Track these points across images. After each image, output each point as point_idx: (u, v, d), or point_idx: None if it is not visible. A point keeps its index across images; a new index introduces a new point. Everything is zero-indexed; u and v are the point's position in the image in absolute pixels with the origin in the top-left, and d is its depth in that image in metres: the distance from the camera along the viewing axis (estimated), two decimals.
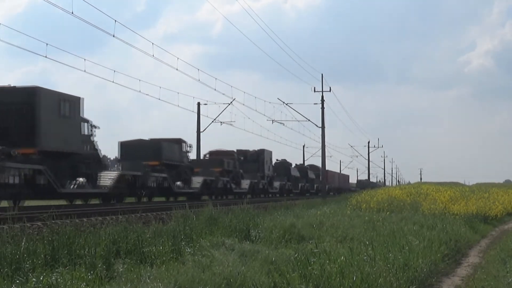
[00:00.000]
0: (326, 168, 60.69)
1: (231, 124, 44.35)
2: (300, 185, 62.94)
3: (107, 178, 26.96)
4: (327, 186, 57.87)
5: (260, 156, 50.66)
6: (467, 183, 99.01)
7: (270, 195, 50.24)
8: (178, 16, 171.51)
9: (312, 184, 69.27)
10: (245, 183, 45.08)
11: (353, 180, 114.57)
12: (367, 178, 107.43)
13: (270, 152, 53.25)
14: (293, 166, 63.32)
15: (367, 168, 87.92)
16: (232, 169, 43.70)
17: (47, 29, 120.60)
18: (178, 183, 34.91)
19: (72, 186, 24.28)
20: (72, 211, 16.30)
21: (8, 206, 19.53)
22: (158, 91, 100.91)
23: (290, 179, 59.44)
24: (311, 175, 69.70)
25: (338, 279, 7.09)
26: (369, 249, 9.43)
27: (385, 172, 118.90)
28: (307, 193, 64.09)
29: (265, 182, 50.40)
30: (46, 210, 12.68)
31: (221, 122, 45.12)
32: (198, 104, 44.24)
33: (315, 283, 6.98)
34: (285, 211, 17.93)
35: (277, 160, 59.16)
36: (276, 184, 53.88)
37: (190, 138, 42.10)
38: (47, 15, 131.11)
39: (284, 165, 59.88)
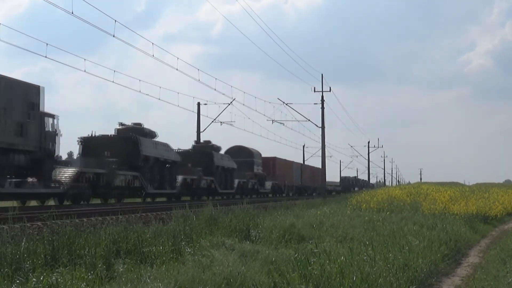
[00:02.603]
0: (291, 160, 61.50)
1: (231, 124, 44.21)
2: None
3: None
4: (272, 183, 51.85)
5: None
6: (467, 183, 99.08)
7: (260, 196, 47.31)
8: (178, 16, 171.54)
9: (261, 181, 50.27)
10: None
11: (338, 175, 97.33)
12: (356, 175, 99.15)
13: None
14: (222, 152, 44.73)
15: (367, 168, 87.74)
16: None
17: (47, 29, 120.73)
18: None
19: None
20: (72, 211, 16.29)
21: (9, 206, 19.47)
22: (158, 91, 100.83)
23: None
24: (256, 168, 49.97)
25: (338, 279, 7.09)
26: (369, 249, 9.43)
27: (385, 172, 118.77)
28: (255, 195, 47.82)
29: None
30: (46, 210, 12.69)
31: (221, 122, 45.06)
32: (198, 104, 44.27)
33: (315, 283, 6.98)
34: (285, 211, 17.92)
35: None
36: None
37: (190, 138, 41.20)
38: (47, 15, 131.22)
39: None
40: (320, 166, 68.91)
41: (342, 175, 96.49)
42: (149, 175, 30.33)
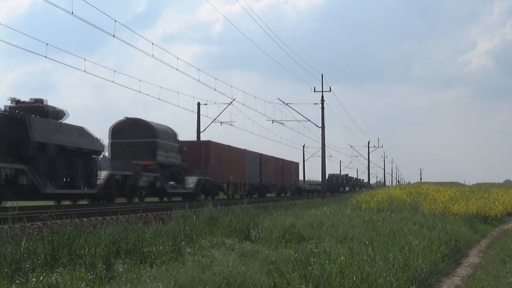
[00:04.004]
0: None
1: (231, 124, 43.81)
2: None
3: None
4: (199, 179, 33.92)
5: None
6: (467, 183, 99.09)
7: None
8: (178, 16, 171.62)
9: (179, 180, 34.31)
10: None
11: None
12: (346, 173, 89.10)
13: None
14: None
15: (367, 168, 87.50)
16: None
17: (47, 29, 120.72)
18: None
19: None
20: (72, 211, 16.29)
21: (9, 206, 19.40)
22: (158, 91, 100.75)
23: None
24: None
25: (338, 279, 7.09)
26: (369, 249, 9.43)
27: (385, 172, 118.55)
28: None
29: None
30: (46, 210, 12.69)
31: (221, 122, 44.79)
32: (198, 104, 44.17)
33: (315, 283, 6.98)
34: (285, 211, 17.93)
35: None
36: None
37: (190, 138, 39.68)
38: (47, 15, 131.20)
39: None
40: (296, 161, 60.43)
41: (330, 173, 76.82)
42: (46, 168, 22.20)
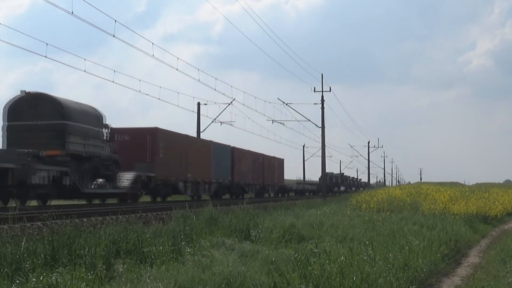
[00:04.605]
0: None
1: (231, 124, 43.72)
2: None
3: None
4: (137, 175, 26.57)
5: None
6: (467, 183, 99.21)
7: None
8: (178, 16, 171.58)
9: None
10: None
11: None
12: (342, 172, 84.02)
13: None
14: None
15: (367, 168, 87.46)
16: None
17: (47, 29, 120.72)
18: None
19: None
20: (72, 211, 16.29)
21: (9, 206, 19.36)
22: (158, 91, 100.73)
23: None
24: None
25: (338, 279, 7.09)
26: (369, 249, 9.43)
27: (385, 172, 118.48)
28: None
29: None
30: (46, 210, 12.69)
31: (221, 122, 44.79)
32: (198, 104, 44.18)
33: (315, 283, 6.98)
34: (285, 211, 17.93)
35: None
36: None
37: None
38: (47, 15, 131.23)
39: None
40: (281, 157, 53.97)
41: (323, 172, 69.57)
42: None
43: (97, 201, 26.32)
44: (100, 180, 24.33)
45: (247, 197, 35.35)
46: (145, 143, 29.43)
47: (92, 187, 23.67)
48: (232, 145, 41.81)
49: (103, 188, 24.33)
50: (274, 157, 52.66)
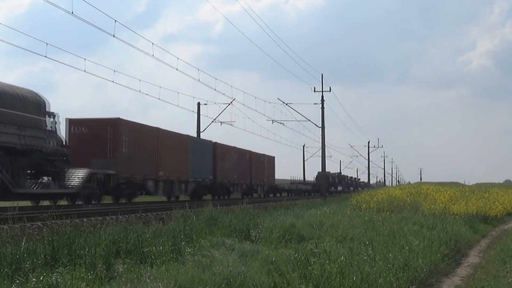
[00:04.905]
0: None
1: (231, 124, 43.61)
2: None
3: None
4: (90, 173, 22.21)
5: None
6: (467, 183, 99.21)
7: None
8: (178, 16, 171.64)
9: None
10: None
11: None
12: (339, 171, 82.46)
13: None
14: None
15: (367, 168, 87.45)
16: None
17: (47, 29, 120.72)
18: None
19: None
20: (72, 211, 16.29)
21: (9, 206, 19.23)
22: (158, 91, 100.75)
23: None
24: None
25: (338, 279, 7.09)
26: (369, 249, 9.43)
27: (385, 172, 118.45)
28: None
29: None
30: (46, 210, 12.69)
31: (221, 122, 44.75)
32: (198, 104, 44.16)
33: (315, 283, 6.98)
34: (285, 211, 17.93)
35: None
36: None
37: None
38: (47, 15, 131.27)
39: None
40: (271, 154, 50.62)
41: (319, 171, 62.81)
42: None
43: (46, 203, 22.64)
44: (46, 178, 20.91)
45: (233, 197, 32.88)
46: (106, 136, 25.67)
47: (34, 186, 19.94)
48: (214, 141, 38.13)
49: (47, 188, 20.74)
50: (263, 154, 49.08)
